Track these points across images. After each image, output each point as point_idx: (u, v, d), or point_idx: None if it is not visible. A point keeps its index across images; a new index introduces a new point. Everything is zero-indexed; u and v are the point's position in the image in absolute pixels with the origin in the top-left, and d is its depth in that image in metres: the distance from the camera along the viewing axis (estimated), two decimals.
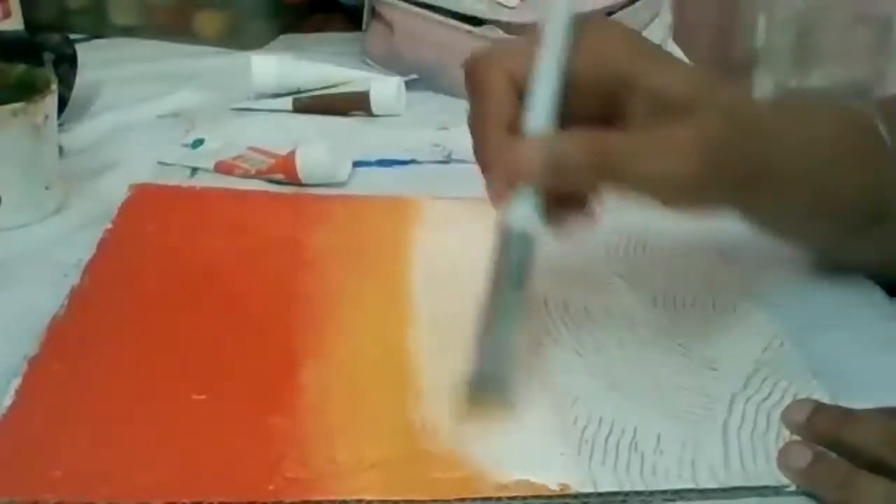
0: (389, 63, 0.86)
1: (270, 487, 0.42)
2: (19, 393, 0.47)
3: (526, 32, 0.48)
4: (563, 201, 0.46)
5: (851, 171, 0.51)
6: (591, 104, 0.45)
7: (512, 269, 0.44)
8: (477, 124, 0.45)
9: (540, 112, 0.44)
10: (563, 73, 0.44)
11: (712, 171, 0.45)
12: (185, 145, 0.74)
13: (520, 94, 0.44)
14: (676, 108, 0.44)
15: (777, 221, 0.52)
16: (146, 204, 0.64)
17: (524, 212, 0.43)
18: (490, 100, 0.45)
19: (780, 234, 0.55)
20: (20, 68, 0.64)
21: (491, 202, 0.45)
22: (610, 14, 0.83)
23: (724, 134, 0.45)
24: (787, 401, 0.48)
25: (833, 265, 0.57)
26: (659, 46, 0.50)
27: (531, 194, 0.43)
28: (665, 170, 0.44)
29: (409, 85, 0.81)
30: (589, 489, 0.43)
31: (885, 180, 0.51)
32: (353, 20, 0.96)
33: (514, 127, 0.44)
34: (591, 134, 0.44)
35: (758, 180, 0.48)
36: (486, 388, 0.46)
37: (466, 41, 0.80)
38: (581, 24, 0.45)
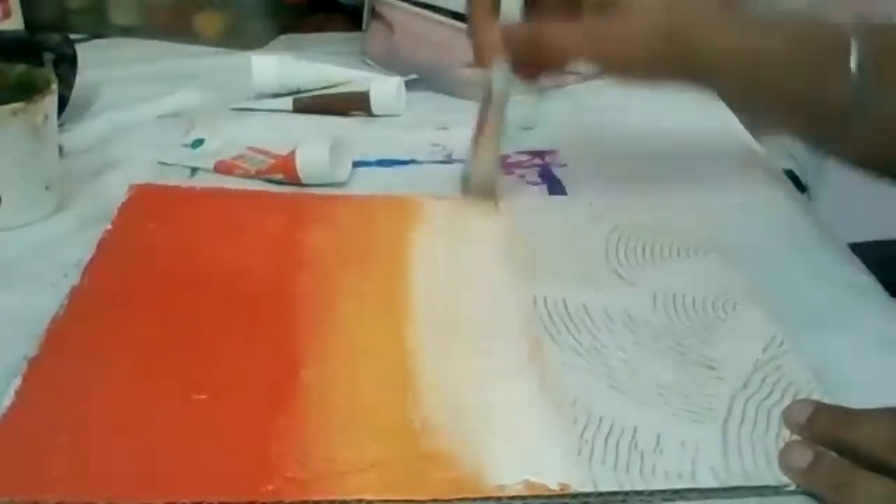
0: (389, 63, 0.86)
1: (270, 487, 0.42)
2: (19, 393, 0.47)
3: None
4: (533, 65, 0.62)
5: (799, 81, 0.57)
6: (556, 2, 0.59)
7: (494, 102, 0.62)
8: (471, 12, 0.61)
9: (508, 10, 0.60)
10: None
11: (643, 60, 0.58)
12: (185, 145, 0.74)
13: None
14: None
15: (737, 107, 0.63)
16: (146, 204, 0.64)
17: (500, 70, 0.61)
18: (478, 4, 0.60)
19: (749, 117, 0.64)
20: (20, 68, 0.64)
21: (475, 65, 0.62)
22: None
23: (654, 29, 0.56)
24: (787, 400, 0.48)
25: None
26: None
27: (504, 61, 0.61)
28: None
29: (409, 85, 0.81)
30: (589, 489, 0.43)
31: (843, 81, 0.55)
32: (353, 20, 0.96)
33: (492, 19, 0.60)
34: (531, 24, 0.60)
35: (695, 76, 0.58)
36: (480, 184, 0.64)
37: (466, 41, 0.80)
38: None
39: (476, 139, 0.63)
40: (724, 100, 0.61)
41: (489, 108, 0.62)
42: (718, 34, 0.57)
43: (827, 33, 0.56)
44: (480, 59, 0.61)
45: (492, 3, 0.60)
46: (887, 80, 0.55)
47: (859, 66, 0.54)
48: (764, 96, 0.59)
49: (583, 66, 0.66)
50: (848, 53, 0.55)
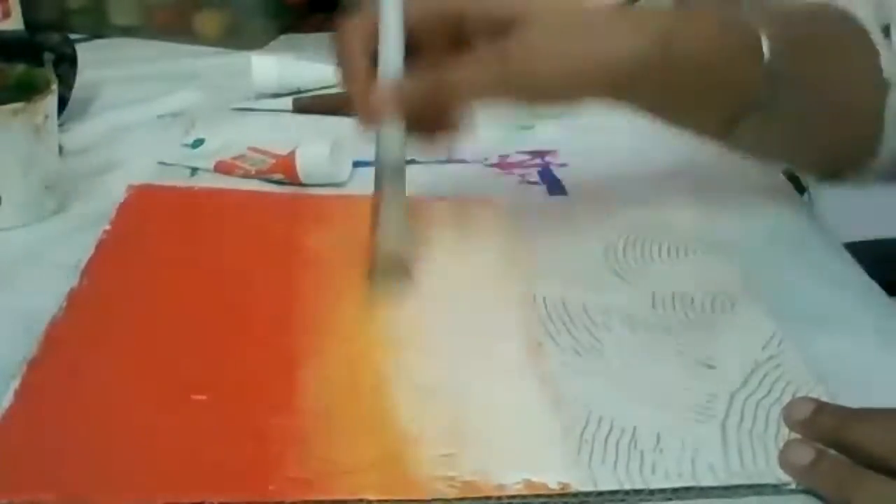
0: None
1: (270, 487, 0.42)
2: (19, 394, 0.47)
3: None
4: (430, 123, 0.56)
5: (724, 73, 0.56)
6: (439, 40, 0.54)
7: (388, 169, 0.55)
8: (346, 80, 0.55)
9: (388, 63, 0.54)
10: (401, 30, 0.54)
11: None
12: (185, 145, 0.74)
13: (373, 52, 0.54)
14: (509, 22, 0.52)
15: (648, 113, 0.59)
16: (145, 204, 0.64)
17: (392, 132, 0.54)
18: (351, 61, 0.55)
19: (662, 121, 0.60)
20: (20, 68, 0.65)
21: (361, 130, 0.55)
22: None
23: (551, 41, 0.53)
24: (786, 399, 0.48)
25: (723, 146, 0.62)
26: None
27: (394, 121, 0.54)
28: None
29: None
30: (589, 488, 0.43)
31: (754, 79, 0.56)
32: None
33: (370, 76, 0.54)
34: (424, 73, 0.54)
35: (610, 91, 0.55)
36: (390, 266, 0.56)
37: None
38: None
39: (375, 213, 0.55)
40: (644, 113, 0.58)
41: (384, 177, 0.55)
42: (630, 43, 0.54)
43: (738, 31, 0.56)
44: (367, 120, 0.55)
45: (369, 58, 0.54)
46: (797, 71, 0.56)
47: (770, 61, 0.55)
48: (679, 102, 0.58)
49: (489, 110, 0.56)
50: (760, 50, 0.55)
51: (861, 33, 0.60)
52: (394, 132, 0.54)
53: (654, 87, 0.55)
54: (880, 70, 0.59)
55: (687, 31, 0.55)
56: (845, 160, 0.63)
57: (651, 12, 0.58)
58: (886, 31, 0.59)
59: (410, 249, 0.57)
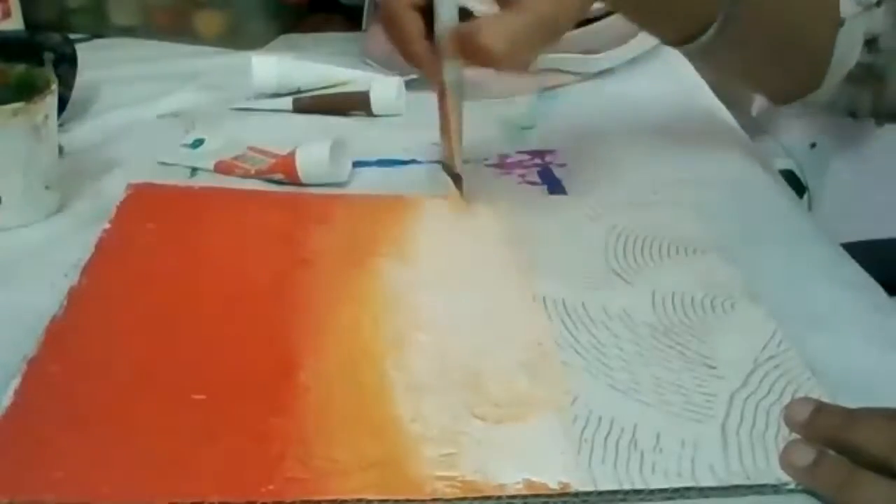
0: (389, 63, 0.86)
1: (270, 487, 0.42)
2: (19, 393, 0.47)
3: None
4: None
5: None
6: None
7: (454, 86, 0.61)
8: (401, 42, 0.61)
9: (444, 19, 0.59)
10: None
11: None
12: (185, 145, 0.74)
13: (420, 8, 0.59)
14: None
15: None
16: (144, 204, 0.64)
17: (451, 65, 0.60)
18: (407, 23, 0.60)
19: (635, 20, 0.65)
20: (20, 68, 0.64)
21: (428, 75, 0.61)
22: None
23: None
24: (786, 399, 0.48)
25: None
26: None
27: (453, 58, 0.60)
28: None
29: (409, 85, 0.81)
30: (589, 488, 0.43)
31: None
32: (353, 20, 0.96)
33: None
34: (460, 26, 0.58)
35: None
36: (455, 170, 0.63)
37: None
38: None
39: (443, 131, 0.63)
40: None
41: (447, 99, 0.62)
42: None
43: None
44: (430, 71, 0.61)
45: (420, 25, 0.60)
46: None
47: None
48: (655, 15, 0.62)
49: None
50: None
51: None
52: (453, 65, 0.60)
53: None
54: (837, 5, 0.62)
55: None
56: (797, 87, 0.67)
57: None
58: None
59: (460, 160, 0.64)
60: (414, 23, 0.60)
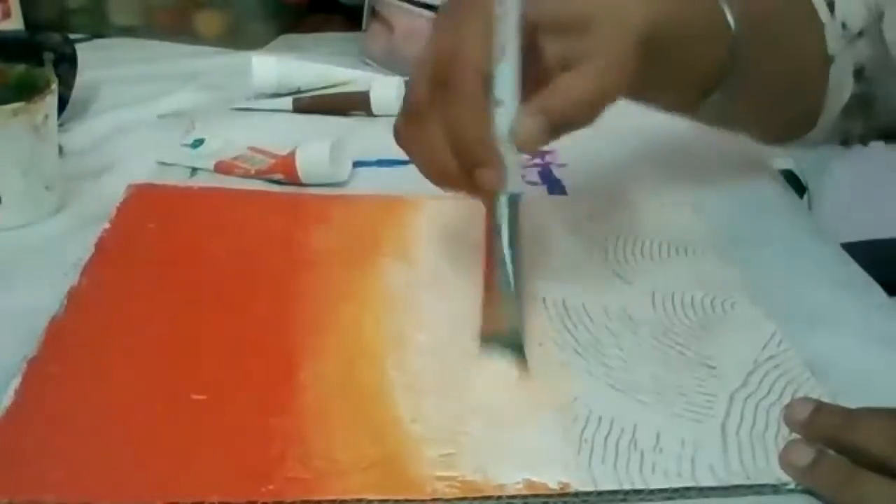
0: (389, 63, 0.86)
1: (270, 487, 0.42)
2: (19, 393, 0.47)
3: None
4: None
5: (700, 47, 0.55)
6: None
7: (508, 233, 0.50)
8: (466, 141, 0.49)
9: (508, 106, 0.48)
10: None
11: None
12: (185, 145, 0.74)
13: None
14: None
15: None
16: (144, 203, 0.64)
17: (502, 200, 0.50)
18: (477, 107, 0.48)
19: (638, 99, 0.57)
20: (20, 68, 0.65)
21: (489, 188, 0.49)
22: None
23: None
24: (786, 399, 0.48)
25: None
26: None
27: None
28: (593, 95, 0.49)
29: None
30: (589, 488, 0.43)
31: (723, 53, 0.56)
32: (353, 20, 0.96)
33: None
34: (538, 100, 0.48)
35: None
36: (505, 343, 0.50)
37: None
38: None
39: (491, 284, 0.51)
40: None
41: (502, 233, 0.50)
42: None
43: (704, 4, 0.56)
44: (493, 182, 0.49)
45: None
46: (755, 44, 0.56)
47: (735, 33, 0.55)
48: (657, 79, 0.55)
49: None
50: (726, 22, 0.55)
51: (808, 6, 0.61)
52: (503, 200, 0.50)
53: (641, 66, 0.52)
54: (825, 44, 0.61)
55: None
56: (794, 129, 0.66)
57: None
58: (831, 6, 0.61)
59: (523, 322, 0.51)
60: (484, 104, 0.48)
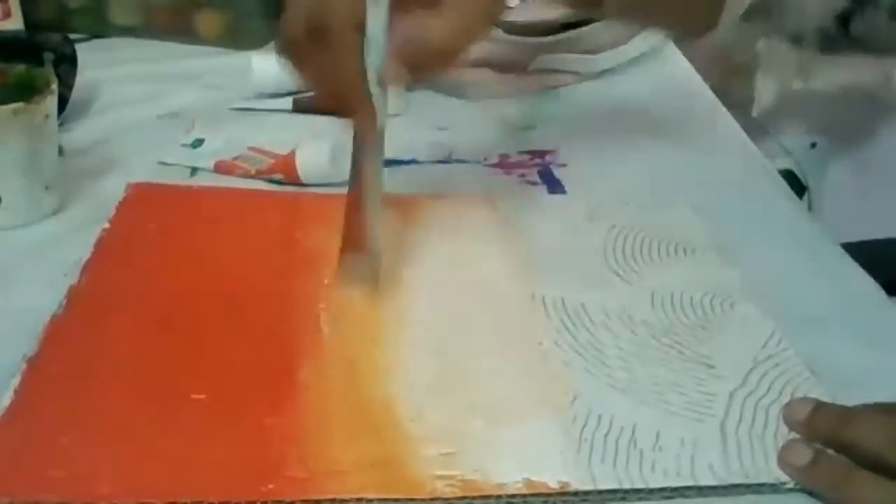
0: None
1: (270, 487, 0.42)
2: (18, 393, 0.47)
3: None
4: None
5: None
6: None
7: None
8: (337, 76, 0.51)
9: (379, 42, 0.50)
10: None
11: None
12: (185, 145, 0.74)
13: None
14: None
15: None
16: (144, 203, 0.64)
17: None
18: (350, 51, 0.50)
19: None
20: (20, 68, 0.64)
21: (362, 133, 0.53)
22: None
23: None
24: (785, 398, 0.48)
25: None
26: None
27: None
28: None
29: (409, 85, 0.81)
30: (589, 487, 0.43)
31: None
32: None
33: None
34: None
35: None
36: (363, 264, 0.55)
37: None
38: None
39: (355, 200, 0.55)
40: None
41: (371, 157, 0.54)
42: None
43: None
44: (367, 116, 0.52)
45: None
46: None
47: None
48: None
49: None
50: None
51: None
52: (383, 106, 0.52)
53: None
54: None
55: None
56: (696, 25, 0.69)
57: None
58: None
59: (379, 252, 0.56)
60: (356, 51, 0.50)
